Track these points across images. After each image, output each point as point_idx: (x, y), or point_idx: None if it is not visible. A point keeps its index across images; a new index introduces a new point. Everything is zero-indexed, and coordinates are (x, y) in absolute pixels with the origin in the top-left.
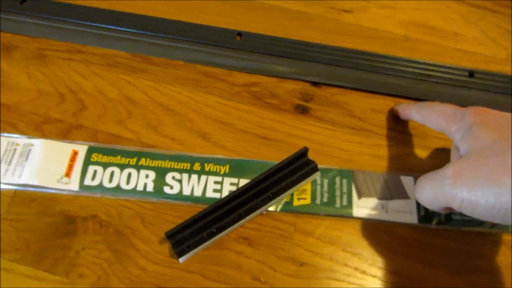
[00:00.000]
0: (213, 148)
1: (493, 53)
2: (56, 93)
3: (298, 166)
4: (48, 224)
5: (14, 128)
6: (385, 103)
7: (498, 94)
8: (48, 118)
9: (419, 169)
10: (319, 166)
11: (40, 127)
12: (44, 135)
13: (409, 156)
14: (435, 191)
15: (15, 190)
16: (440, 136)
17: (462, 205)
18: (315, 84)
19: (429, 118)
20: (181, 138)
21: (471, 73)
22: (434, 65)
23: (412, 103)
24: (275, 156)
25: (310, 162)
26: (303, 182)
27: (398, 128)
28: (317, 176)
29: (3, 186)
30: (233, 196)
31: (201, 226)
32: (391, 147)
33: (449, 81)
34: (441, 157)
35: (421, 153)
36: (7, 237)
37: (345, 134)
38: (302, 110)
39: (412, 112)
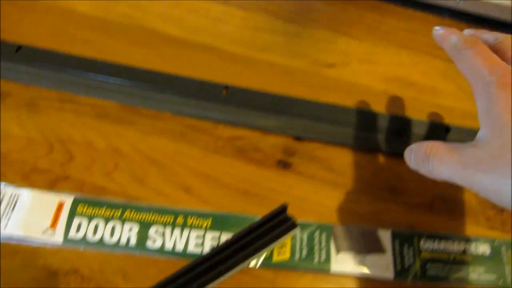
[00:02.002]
0: (196, 202)
1: (470, 108)
2: (45, 143)
3: (277, 223)
4: (31, 278)
5: (3, 176)
6: (365, 159)
7: None
8: (36, 168)
9: (397, 225)
10: (299, 221)
11: (28, 177)
12: (31, 184)
13: (387, 212)
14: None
15: None
16: (417, 192)
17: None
18: (297, 138)
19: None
20: (165, 191)
21: (447, 129)
22: (412, 121)
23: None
24: (256, 211)
25: (289, 218)
26: (282, 238)
27: (377, 183)
28: (296, 232)
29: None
30: (213, 252)
31: (182, 283)
32: (369, 203)
33: (427, 136)
34: (417, 213)
35: (399, 209)
36: None
37: (325, 189)
38: (284, 165)
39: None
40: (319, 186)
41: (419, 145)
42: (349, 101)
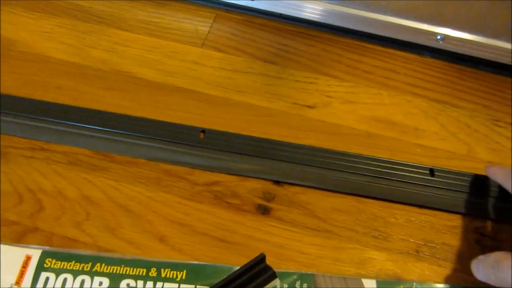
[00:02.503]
0: (170, 252)
1: (454, 148)
2: (14, 193)
3: (256, 273)
4: None
5: None
6: (347, 202)
7: (458, 193)
8: (4, 220)
9: (382, 272)
10: (279, 270)
11: None
12: None
13: (372, 259)
14: None
15: None
16: (402, 238)
17: None
18: (277, 182)
19: None
20: (138, 242)
21: (432, 171)
22: (395, 163)
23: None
24: (234, 260)
25: (268, 268)
26: None
27: (360, 229)
28: (276, 283)
29: None
30: None
31: None
32: (353, 250)
33: (410, 179)
34: (403, 260)
35: (383, 255)
36: None
37: (306, 236)
38: (264, 211)
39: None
40: (300, 233)
41: (486, 255)
42: (330, 143)
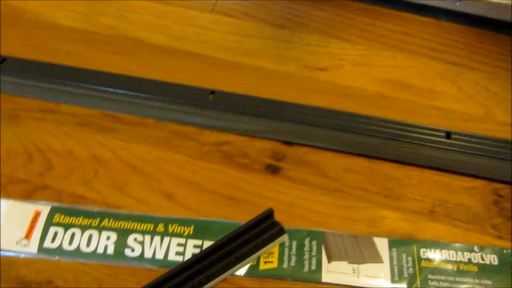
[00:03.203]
0: (178, 209)
1: (471, 110)
2: (24, 153)
3: (263, 229)
4: None
5: None
6: (359, 163)
7: (476, 156)
8: (14, 179)
9: (394, 232)
10: (288, 227)
11: (5, 188)
12: (8, 195)
13: (383, 219)
14: None
15: None
16: (416, 198)
17: None
18: (287, 143)
19: None
20: (146, 199)
21: (448, 134)
22: (409, 125)
23: None
24: (242, 217)
25: (276, 224)
26: (269, 246)
27: (372, 189)
28: (284, 239)
29: None
30: (194, 260)
31: None
32: (364, 209)
33: (425, 141)
34: (416, 220)
35: (396, 215)
36: None
37: (316, 195)
38: (273, 170)
39: None
40: (310, 192)
41: None
42: (342, 105)
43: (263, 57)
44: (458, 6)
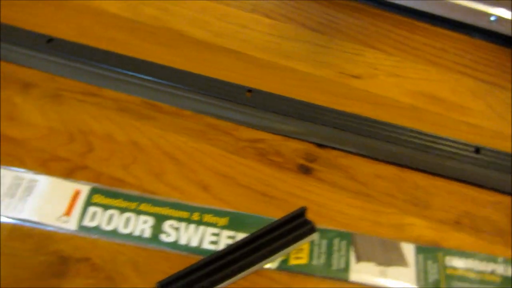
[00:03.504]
0: (212, 200)
1: (500, 128)
2: (66, 133)
3: (295, 226)
4: (41, 263)
5: (21, 163)
6: (389, 170)
7: (503, 173)
8: (55, 156)
9: (420, 239)
10: (318, 227)
11: (46, 164)
12: (49, 172)
13: (410, 226)
14: None
15: (14, 225)
16: (443, 208)
17: None
18: (320, 145)
19: None
20: (182, 188)
21: (477, 149)
22: (440, 138)
23: None
24: (274, 214)
25: (308, 222)
26: (299, 242)
27: (400, 196)
28: (314, 237)
29: (3, 219)
30: (228, 250)
31: (194, 279)
32: (392, 215)
33: (454, 155)
34: (442, 229)
35: (423, 223)
36: None
37: (346, 198)
38: (305, 170)
39: None
40: (340, 194)
41: None
42: (375, 113)
43: (299, 60)
44: (492, 26)
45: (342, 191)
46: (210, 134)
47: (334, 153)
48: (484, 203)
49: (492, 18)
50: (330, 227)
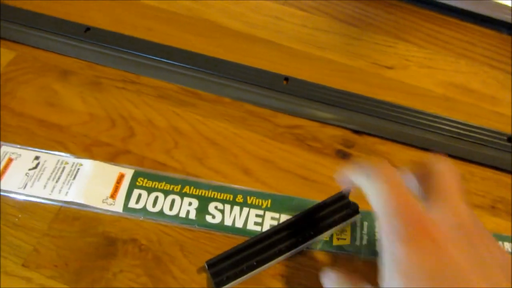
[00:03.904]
0: (254, 183)
1: None
2: (107, 119)
3: (339, 207)
4: (89, 244)
5: (65, 148)
6: (424, 156)
7: None
8: (98, 141)
9: None
10: (360, 209)
11: (89, 149)
12: (92, 156)
13: None
14: None
15: (60, 207)
16: (478, 193)
17: None
18: (356, 132)
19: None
20: (224, 172)
21: (510, 138)
22: (473, 126)
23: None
24: (315, 196)
25: (351, 204)
26: (343, 223)
27: None
28: (357, 218)
29: (48, 202)
30: (273, 231)
31: (241, 258)
32: None
33: (488, 142)
34: (478, 213)
35: None
36: (47, 253)
37: None
38: (343, 155)
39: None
40: None
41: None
42: (409, 102)
43: (333, 51)
44: None
45: None
46: (250, 121)
47: (371, 139)
48: None
49: None
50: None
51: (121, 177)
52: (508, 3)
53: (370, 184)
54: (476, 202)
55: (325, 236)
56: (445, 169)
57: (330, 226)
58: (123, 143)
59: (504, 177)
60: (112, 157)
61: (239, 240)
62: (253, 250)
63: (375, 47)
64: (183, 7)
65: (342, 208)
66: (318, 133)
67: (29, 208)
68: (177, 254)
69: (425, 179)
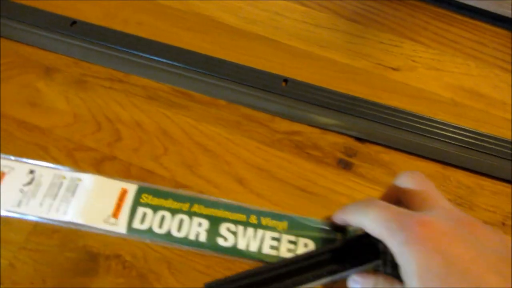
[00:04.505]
0: (248, 195)
1: None
2: (92, 121)
3: (363, 247)
4: (69, 259)
5: (46, 152)
6: (431, 167)
7: None
8: (82, 146)
9: None
10: None
11: (72, 154)
12: (75, 162)
13: None
14: None
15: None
16: (488, 209)
17: None
18: (359, 139)
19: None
20: (216, 181)
21: None
22: (484, 135)
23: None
24: (314, 211)
25: (374, 247)
26: (362, 267)
27: (444, 195)
28: (378, 264)
29: (45, 221)
30: (284, 263)
31: (248, 284)
32: None
33: (498, 152)
34: None
35: None
36: (23, 269)
37: None
38: (345, 165)
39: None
40: (382, 192)
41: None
42: (415, 107)
43: (336, 50)
44: None
45: (384, 189)
46: (245, 125)
47: (375, 148)
48: None
49: None
50: None
51: (123, 193)
52: None
53: (364, 217)
54: (486, 218)
55: (340, 277)
56: (417, 182)
57: (346, 269)
58: (109, 148)
59: None
60: (97, 163)
61: (232, 261)
62: (258, 279)
63: (380, 46)
64: (176, 0)
65: (366, 248)
66: (318, 140)
67: (6, 218)
68: (163, 272)
69: (405, 198)
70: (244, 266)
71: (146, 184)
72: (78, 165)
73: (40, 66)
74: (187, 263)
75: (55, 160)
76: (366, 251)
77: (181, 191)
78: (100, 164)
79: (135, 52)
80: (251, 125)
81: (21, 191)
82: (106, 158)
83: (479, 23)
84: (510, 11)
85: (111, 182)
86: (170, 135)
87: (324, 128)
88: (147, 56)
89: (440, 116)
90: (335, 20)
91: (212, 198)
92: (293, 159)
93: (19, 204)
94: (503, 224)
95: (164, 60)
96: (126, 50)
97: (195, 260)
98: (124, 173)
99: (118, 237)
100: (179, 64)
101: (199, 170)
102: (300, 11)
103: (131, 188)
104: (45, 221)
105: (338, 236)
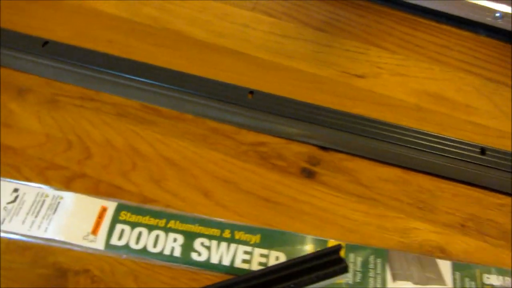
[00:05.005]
0: (214, 207)
1: (506, 128)
2: (63, 140)
3: (328, 262)
4: (39, 276)
5: (18, 172)
6: (393, 173)
7: (509, 173)
8: (53, 164)
9: (425, 243)
10: (352, 243)
11: (44, 173)
12: (47, 181)
13: (415, 230)
14: None
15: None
16: (448, 211)
17: None
18: (323, 148)
19: None
20: (183, 195)
21: (483, 150)
22: (445, 138)
23: None
24: (279, 220)
25: (341, 261)
26: (329, 280)
27: (405, 199)
28: (346, 278)
29: (27, 239)
30: (253, 276)
31: None
32: (397, 219)
33: (460, 156)
34: (447, 233)
35: (428, 227)
36: None
37: (350, 202)
38: (308, 174)
39: None
40: (344, 199)
41: None
42: (379, 114)
43: (302, 60)
44: (497, 22)
45: (346, 195)
46: (212, 138)
47: (338, 156)
48: (490, 206)
49: (497, 15)
50: (335, 234)
51: (103, 211)
52: (485, 3)
53: None
54: (445, 220)
55: None
56: None
57: (315, 281)
58: (79, 165)
59: (475, 193)
60: (67, 181)
61: (197, 273)
62: None
63: (346, 54)
64: (146, 16)
65: (331, 263)
66: (283, 150)
67: None
68: (130, 285)
69: None
70: (210, 277)
71: (125, 202)
72: (49, 184)
73: (13, 87)
74: (153, 276)
75: (27, 180)
76: (335, 264)
77: (158, 208)
78: (70, 182)
79: (106, 70)
80: (217, 138)
81: (5, 209)
82: (76, 176)
83: (444, 26)
84: (473, 14)
85: (91, 200)
86: (139, 151)
87: (288, 138)
88: (117, 73)
89: (404, 122)
90: (302, 29)
91: (188, 214)
92: (258, 170)
93: (2, 221)
94: (463, 226)
95: (134, 77)
96: (97, 68)
97: (161, 273)
98: (94, 190)
99: (92, 253)
100: (148, 81)
101: (166, 185)
102: (268, 22)
103: (111, 206)
104: (25, 239)
105: (309, 249)
